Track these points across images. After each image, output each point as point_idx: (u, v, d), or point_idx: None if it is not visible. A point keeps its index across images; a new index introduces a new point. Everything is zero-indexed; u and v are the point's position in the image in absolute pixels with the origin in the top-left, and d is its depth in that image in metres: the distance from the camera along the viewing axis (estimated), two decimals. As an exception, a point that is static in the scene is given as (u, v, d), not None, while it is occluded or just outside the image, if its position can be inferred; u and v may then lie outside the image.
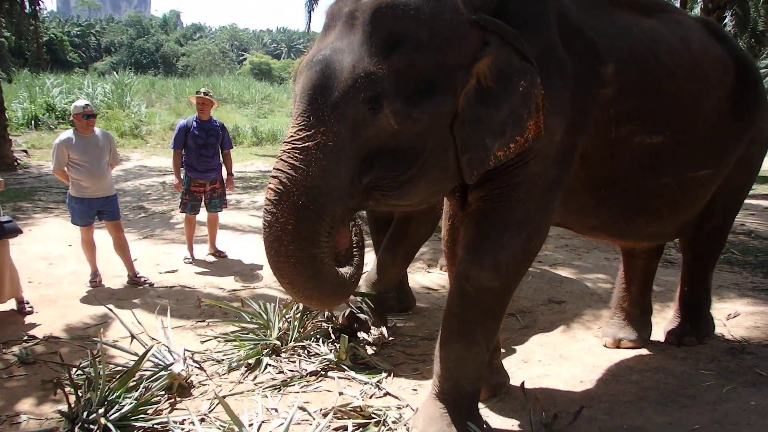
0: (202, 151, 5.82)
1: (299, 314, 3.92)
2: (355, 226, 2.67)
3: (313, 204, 2.15)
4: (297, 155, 2.15)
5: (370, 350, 3.84)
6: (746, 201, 9.10)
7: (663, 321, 4.25)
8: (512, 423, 3.03)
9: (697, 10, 19.24)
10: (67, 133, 5.00)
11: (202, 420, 2.94)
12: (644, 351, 3.95)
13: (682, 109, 3.08)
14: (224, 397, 3.17)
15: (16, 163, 12.00)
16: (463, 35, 2.29)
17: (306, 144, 2.14)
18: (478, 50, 2.30)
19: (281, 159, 2.19)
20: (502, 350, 3.60)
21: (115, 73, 27.46)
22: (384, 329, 4.08)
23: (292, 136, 2.18)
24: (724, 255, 6.20)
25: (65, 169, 4.89)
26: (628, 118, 2.84)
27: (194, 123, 5.84)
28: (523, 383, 3.11)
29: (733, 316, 4.58)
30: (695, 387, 3.41)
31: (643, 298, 4.05)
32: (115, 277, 5.29)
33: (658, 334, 4.11)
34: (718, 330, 4.20)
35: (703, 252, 3.89)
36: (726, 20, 16.98)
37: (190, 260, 5.95)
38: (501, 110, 2.36)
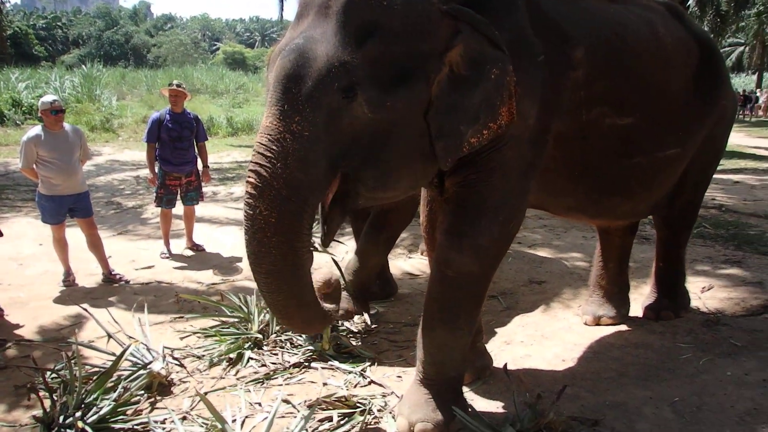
0: (177, 144, 5.73)
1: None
2: None
3: (294, 196, 2.16)
4: (274, 147, 2.14)
5: (353, 339, 3.81)
6: (716, 176, 9.25)
7: (640, 297, 4.34)
8: (497, 405, 3.06)
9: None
10: (36, 129, 4.86)
11: (183, 418, 2.89)
12: (624, 327, 4.03)
13: (649, 91, 3.18)
14: (206, 393, 3.13)
15: (-20, 161, 11.68)
16: (435, 25, 2.32)
17: (282, 134, 2.13)
18: (450, 39, 2.34)
19: (258, 152, 2.17)
20: (485, 333, 3.61)
21: (83, 66, 26.98)
22: (367, 317, 4.09)
23: (267, 127, 2.16)
24: (696, 229, 6.35)
25: (34, 166, 4.76)
26: (598, 101, 2.91)
27: (167, 116, 5.74)
28: (506, 365, 3.13)
29: (707, 289, 4.71)
30: (674, 360, 3.50)
31: (621, 275, 4.14)
32: (89, 275, 5.18)
33: (636, 309, 4.20)
34: (694, 303, 4.29)
35: (676, 228, 4.01)
36: (690, 2, 17.37)
37: (167, 255, 5.86)
38: (474, 97, 2.40)
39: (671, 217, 3.93)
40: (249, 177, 2.19)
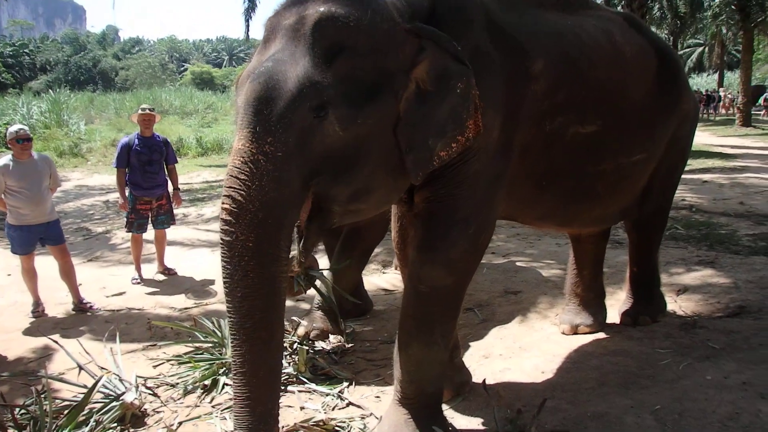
0: (147, 167, 5.68)
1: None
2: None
3: (271, 217, 2.14)
4: (247, 169, 2.13)
5: (329, 360, 3.78)
6: (685, 176, 9.33)
7: (617, 303, 4.34)
8: (477, 422, 3.03)
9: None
10: (3, 159, 4.80)
11: None
12: (601, 334, 4.02)
13: (610, 99, 3.22)
14: (180, 423, 3.09)
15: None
16: (401, 42, 2.38)
17: (255, 156, 2.12)
18: (415, 56, 2.40)
19: (231, 175, 2.16)
20: (462, 347, 3.61)
21: (51, 91, 26.72)
22: (342, 336, 4.05)
23: (239, 150, 2.15)
24: (668, 231, 6.34)
25: (2, 196, 4.70)
26: (560, 111, 2.97)
27: (136, 140, 5.69)
28: (484, 380, 3.13)
29: (682, 292, 4.72)
30: (653, 366, 3.49)
31: (595, 282, 4.16)
32: (59, 305, 5.09)
33: (613, 316, 4.20)
34: (670, 306, 4.31)
35: (647, 231, 4.05)
36: (648, 11, 17.88)
37: (139, 280, 5.78)
38: (441, 111, 2.45)
39: (641, 221, 3.96)
40: (224, 202, 2.17)
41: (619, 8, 19.27)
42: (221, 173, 13.29)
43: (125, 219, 5.85)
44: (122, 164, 5.65)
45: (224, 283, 2.19)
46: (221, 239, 2.17)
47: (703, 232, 6.62)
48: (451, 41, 2.46)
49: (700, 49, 41.36)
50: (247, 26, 17.47)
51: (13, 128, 4.85)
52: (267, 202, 2.13)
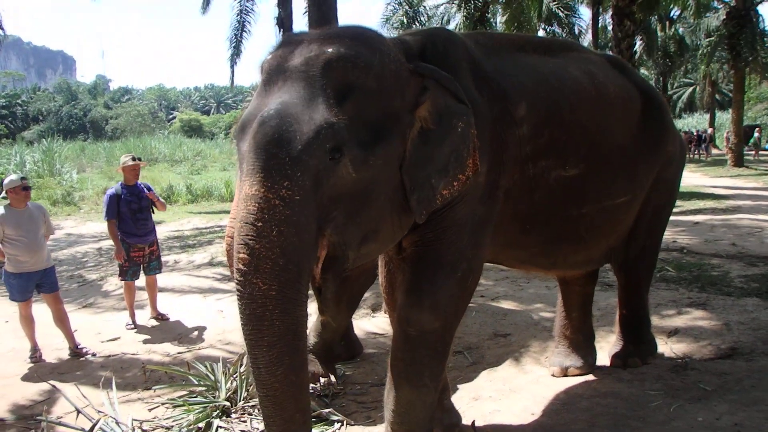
0: (138, 215, 5.80)
1: (247, 373, 3.86)
2: None
3: (292, 263, 2.08)
4: (264, 216, 2.05)
5: (321, 402, 3.82)
6: (676, 218, 9.33)
7: (607, 345, 4.33)
8: (467, 463, 3.02)
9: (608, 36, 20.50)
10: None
11: None
12: (591, 377, 4.01)
13: (592, 141, 3.23)
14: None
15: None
16: (405, 82, 2.43)
17: (272, 201, 2.05)
18: (419, 95, 2.45)
19: (246, 222, 2.06)
20: (452, 389, 3.62)
21: (43, 140, 26.90)
22: (333, 378, 4.09)
23: (253, 195, 2.07)
24: (659, 272, 6.38)
25: (0, 245, 4.81)
26: (543, 154, 2.99)
27: (123, 190, 5.81)
28: (473, 422, 3.15)
29: (673, 333, 4.70)
30: (644, 408, 3.46)
31: (585, 324, 4.14)
32: (55, 350, 5.15)
33: (603, 358, 4.18)
34: (661, 348, 4.30)
35: (634, 274, 4.00)
36: (636, 47, 17.65)
37: (133, 326, 5.84)
38: (443, 150, 2.47)
39: (628, 264, 3.92)
40: (240, 251, 2.07)
41: (607, 51, 19.66)
42: (211, 219, 13.36)
43: (119, 267, 5.93)
44: (113, 215, 5.73)
45: (247, 333, 2.10)
46: (239, 290, 2.08)
47: (695, 274, 6.56)
48: (452, 80, 2.51)
49: (691, 88, 40.66)
50: (232, 73, 17.20)
51: (14, 177, 4.99)
52: (287, 249, 2.06)
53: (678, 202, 11.66)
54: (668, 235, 8.68)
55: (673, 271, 6.72)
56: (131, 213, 5.75)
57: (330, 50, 2.26)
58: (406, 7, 15.53)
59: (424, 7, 16.67)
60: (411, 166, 2.42)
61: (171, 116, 57.60)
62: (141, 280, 6.07)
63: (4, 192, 4.94)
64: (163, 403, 3.93)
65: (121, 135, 42.09)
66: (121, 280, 6.02)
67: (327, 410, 3.66)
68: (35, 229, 4.92)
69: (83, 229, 13.01)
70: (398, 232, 2.56)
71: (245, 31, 15.63)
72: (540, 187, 3.02)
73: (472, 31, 8.50)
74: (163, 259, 6.39)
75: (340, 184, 2.20)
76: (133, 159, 5.99)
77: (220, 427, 3.51)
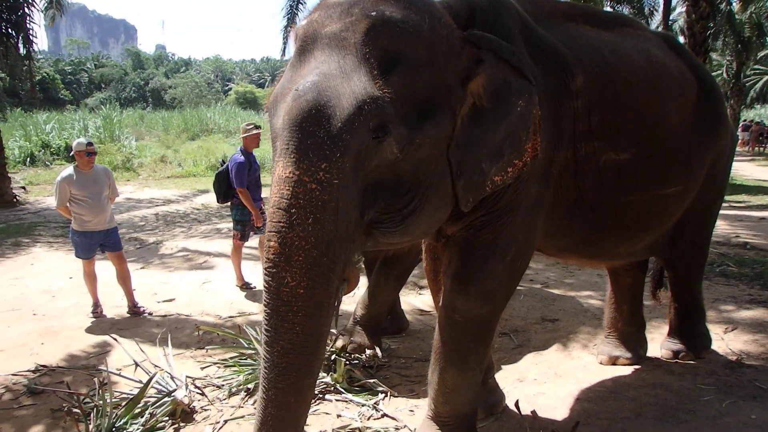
0: (258, 182, 6.00)
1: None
2: None
3: (327, 255, 1.87)
4: (299, 201, 1.83)
5: (365, 373, 3.87)
6: (740, 213, 8.79)
7: (660, 336, 4.22)
8: (510, 442, 3.03)
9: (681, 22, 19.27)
10: (68, 170, 5.16)
11: None
12: (641, 367, 3.92)
13: (646, 125, 2.99)
14: (225, 422, 3.26)
15: (15, 200, 12.17)
16: (457, 52, 2.15)
17: (307, 186, 1.83)
18: (472, 68, 2.16)
19: (279, 208, 1.85)
20: (496, 369, 3.59)
21: (104, 108, 27.64)
22: (378, 351, 4.12)
23: (287, 178, 1.85)
24: (719, 268, 6.22)
25: (68, 204, 5.03)
26: (595, 134, 2.76)
27: (249, 157, 5.91)
28: (517, 402, 3.12)
29: (730, 330, 4.54)
30: (694, 402, 3.36)
31: (636, 315, 4.01)
32: (115, 307, 5.37)
33: (654, 350, 4.08)
34: (716, 344, 4.16)
35: (684, 269, 3.85)
36: (710, 31, 16.25)
37: (250, 285, 6.08)
38: (497, 132, 2.22)
39: (676, 259, 3.76)
40: (270, 240, 1.86)
41: (678, 33, 18.40)
42: (266, 192, 13.58)
43: (239, 230, 6.05)
44: (244, 183, 5.79)
45: (265, 331, 1.92)
46: (266, 281, 1.89)
47: (757, 271, 6.28)
48: (513, 52, 2.24)
49: (766, 77, 35.76)
50: (285, 44, 16.02)
51: (83, 140, 5.19)
52: (323, 239, 1.85)
53: (744, 197, 11.67)
54: (730, 229, 8.52)
55: (734, 266, 6.45)
56: (255, 180, 5.92)
57: (373, 13, 1.98)
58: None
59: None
60: (460, 147, 2.16)
61: (227, 87, 58.27)
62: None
63: (73, 153, 5.16)
64: (214, 363, 4.08)
65: (178, 105, 42.89)
66: (239, 240, 6.14)
67: (372, 380, 3.72)
68: (100, 191, 5.12)
69: (141, 195, 13.48)
70: (438, 221, 2.33)
71: (301, 2, 15.37)
72: (588, 171, 2.80)
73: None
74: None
75: (383, 166, 1.97)
76: (256, 127, 6.08)
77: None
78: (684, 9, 14.59)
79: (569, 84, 2.61)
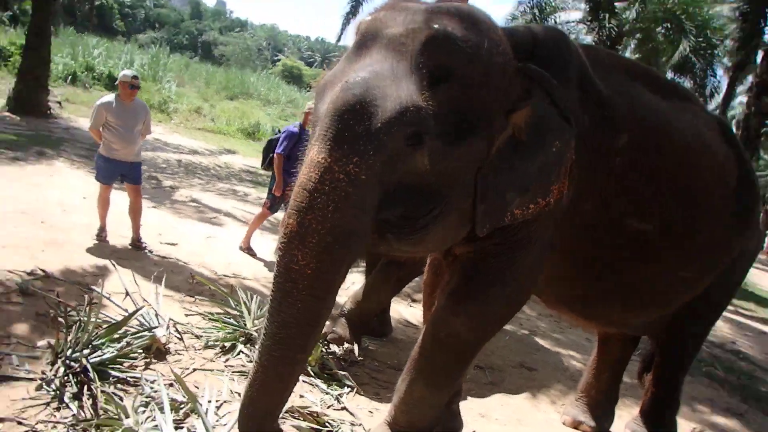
0: (295, 162, 5.91)
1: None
2: None
3: (339, 244, 1.95)
4: (325, 187, 1.91)
5: (338, 364, 3.88)
6: (743, 321, 8.64)
7: (628, 416, 4.15)
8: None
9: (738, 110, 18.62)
10: (109, 97, 5.28)
11: (170, 385, 3.03)
12: None
13: (679, 203, 2.92)
14: (194, 370, 3.33)
15: (49, 112, 12.27)
16: (509, 81, 2.19)
17: (335, 175, 1.90)
18: (519, 99, 2.20)
19: (305, 189, 1.93)
20: (463, 398, 3.56)
21: (153, 47, 27.84)
22: (356, 347, 4.15)
23: (318, 163, 1.93)
24: (706, 367, 6.10)
25: (100, 129, 5.15)
26: (626, 196, 2.73)
27: (303, 133, 5.75)
28: None
29: (698, 431, 4.46)
30: None
31: (612, 388, 3.96)
32: (119, 237, 5.44)
33: (618, 427, 4.01)
34: None
35: (674, 357, 3.72)
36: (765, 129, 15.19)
37: (252, 251, 6.16)
38: (529, 167, 2.24)
39: (670, 345, 3.64)
40: (289, 217, 1.95)
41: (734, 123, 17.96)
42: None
43: (270, 199, 6.12)
44: (286, 151, 5.78)
45: (270, 302, 2.05)
46: (279, 257, 1.99)
47: (743, 383, 6.12)
48: (561, 92, 2.27)
49: None
50: (342, 30, 15.97)
51: (129, 72, 5.31)
52: (339, 228, 1.92)
53: (752, 306, 11.20)
54: (729, 333, 8.35)
55: (721, 371, 6.25)
56: (297, 155, 5.82)
57: (436, 26, 2.04)
58: (536, 12, 14.59)
59: (554, 18, 15.55)
60: (489, 173, 2.19)
61: (276, 58, 58.57)
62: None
63: (117, 82, 5.27)
64: (199, 313, 4.16)
65: (225, 63, 43.08)
66: (267, 209, 6.23)
67: (343, 373, 3.75)
68: (134, 124, 5.23)
69: (169, 139, 13.61)
70: (451, 239, 2.37)
71: (368, -5, 15.21)
72: (609, 230, 2.76)
73: (586, 44, 7.59)
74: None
75: (412, 173, 2.02)
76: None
77: (242, 352, 3.69)
78: (745, 100, 14.28)
79: (613, 140, 2.62)
